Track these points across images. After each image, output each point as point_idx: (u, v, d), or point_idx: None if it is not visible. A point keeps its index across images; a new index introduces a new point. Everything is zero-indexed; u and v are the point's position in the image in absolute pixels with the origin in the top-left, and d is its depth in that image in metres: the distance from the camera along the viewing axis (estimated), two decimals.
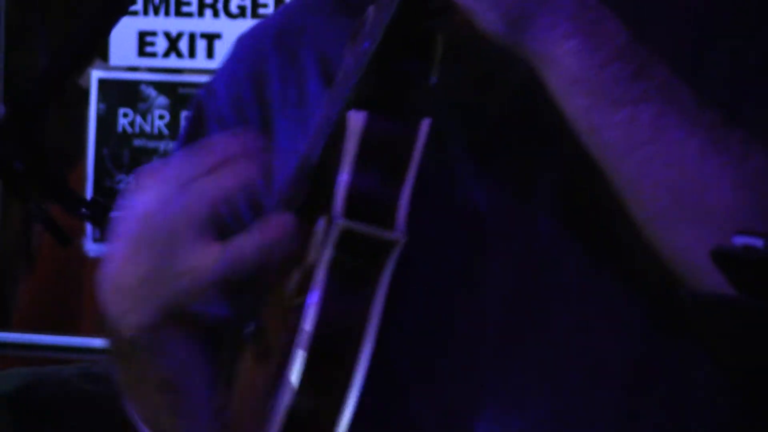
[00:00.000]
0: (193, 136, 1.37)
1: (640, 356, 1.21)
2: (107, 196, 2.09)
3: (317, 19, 1.42)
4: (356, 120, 1.10)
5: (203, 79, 2.38)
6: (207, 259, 1.08)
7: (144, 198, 1.11)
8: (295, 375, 1.04)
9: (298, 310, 1.07)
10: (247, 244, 1.09)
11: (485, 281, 1.18)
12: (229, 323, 1.21)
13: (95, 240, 2.98)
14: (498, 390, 1.18)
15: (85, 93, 3.14)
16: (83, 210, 1.17)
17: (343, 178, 1.07)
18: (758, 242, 0.84)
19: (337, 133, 1.14)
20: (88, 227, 2.94)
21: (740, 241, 0.85)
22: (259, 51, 1.44)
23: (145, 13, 3.07)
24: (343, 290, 1.08)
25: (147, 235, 1.11)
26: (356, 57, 1.17)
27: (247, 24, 2.32)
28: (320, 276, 1.06)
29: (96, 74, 3.21)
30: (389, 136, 1.13)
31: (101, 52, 3.14)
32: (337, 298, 1.07)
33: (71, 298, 3.21)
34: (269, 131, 1.40)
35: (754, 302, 0.86)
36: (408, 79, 1.14)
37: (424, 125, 1.09)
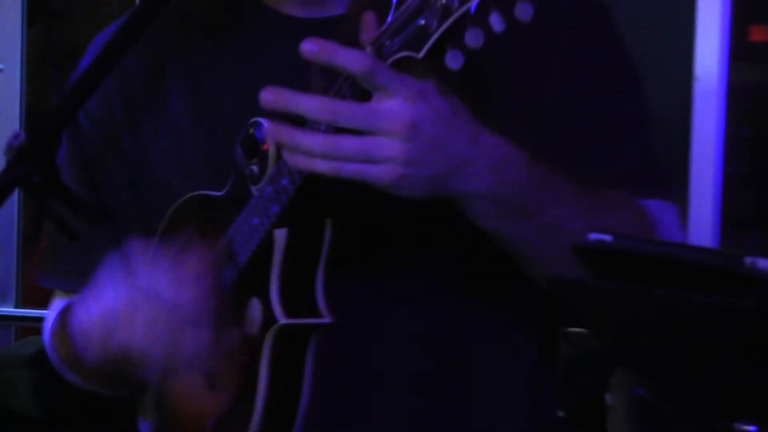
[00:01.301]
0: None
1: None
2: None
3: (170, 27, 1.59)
4: (280, 235, 1.36)
5: None
6: (204, 345, 1.38)
7: (155, 284, 1.41)
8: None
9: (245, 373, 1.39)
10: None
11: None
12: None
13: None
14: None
15: None
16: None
17: (274, 286, 1.35)
18: (608, 237, 1.04)
19: (264, 244, 1.39)
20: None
21: (594, 237, 1.04)
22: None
23: None
24: (284, 364, 1.37)
25: (164, 319, 1.41)
26: (277, 193, 1.39)
27: None
28: (264, 363, 1.35)
29: None
30: (304, 244, 1.37)
31: None
32: (279, 370, 1.36)
33: None
34: (135, 127, 1.62)
35: (604, 283, 1.06)
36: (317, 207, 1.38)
37: (328, 230, 1.36)
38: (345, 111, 1.28)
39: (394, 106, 1.25)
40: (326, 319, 1.38)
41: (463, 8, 1.19)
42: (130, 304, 1.44)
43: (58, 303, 1.71)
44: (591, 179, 1.41)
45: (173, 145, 1.64)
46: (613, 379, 2.82)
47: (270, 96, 1.30)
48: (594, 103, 1.52)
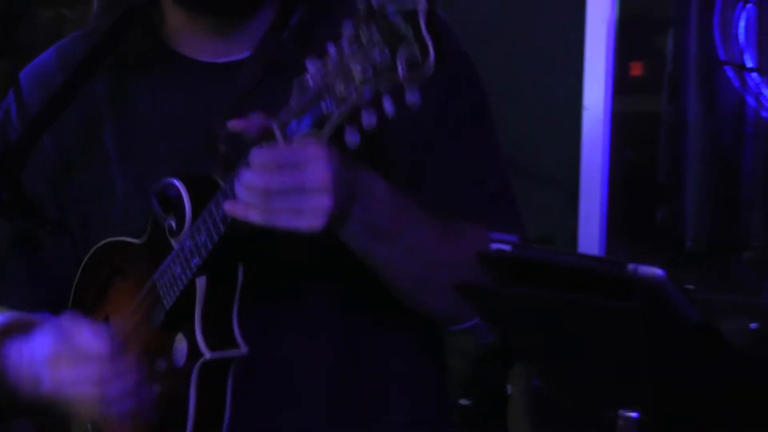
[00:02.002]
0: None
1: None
2: None
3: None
4: (200, 282, 1.45)
5: None
6: (131, 387, 1.44)
7: (78, 337, 1.45)
8: None
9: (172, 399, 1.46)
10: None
11: None
12: None
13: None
14: None
15: None
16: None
17: (198, 325, 1.44)
18: (507, 247, 1.13)
19: (187, 290, 1.45)
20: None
21: (495, 246, 1.14)
22: (45, 81, 1.65)
23: None
24: (208, 390, 1.45)
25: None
26: (197, 247, 1.44)
27: None
28: (192, 391, 1.43)
29: None
30: (221, 285, 1.46)
31: None
32: (205, 396, 1.45)
33: None
34: (78, 157, 1.64)
35: (504, 288, 1.16)
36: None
37: (240, 272, 1.45)
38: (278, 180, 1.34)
39: (316, 171, 1.32)
40: (243, 350, 1.47)
41: (360, 97, 1.25)
42: (55, 357, 1.49)
43: None
44: (447, 211, 1.51)
45: (103, 176, 1.65)
46: (513, 371, 2.98)
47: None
48: (454, 146, 1.61)
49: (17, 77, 1.69)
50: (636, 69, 3.63)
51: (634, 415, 1.17)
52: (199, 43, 1.60)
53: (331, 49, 1.28)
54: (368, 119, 1.24)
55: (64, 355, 1.48)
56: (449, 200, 1.55)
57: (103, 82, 1.59)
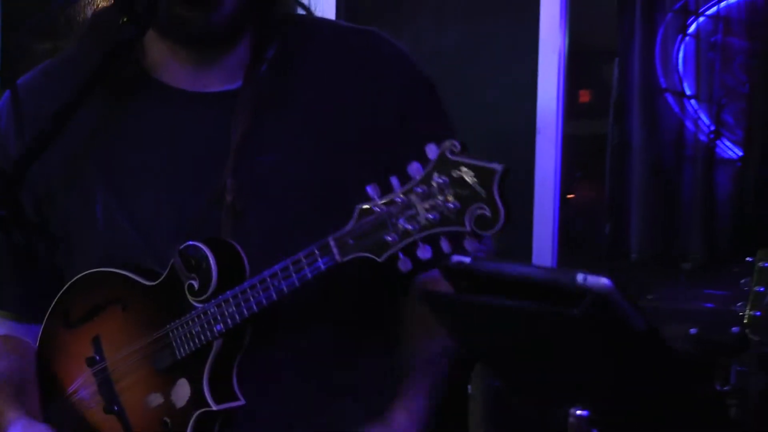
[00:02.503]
0: None
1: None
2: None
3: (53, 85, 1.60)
4: (217, 343, 1.43)
5: None
6: None
7: None
8: None
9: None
10: None
11: None
12: None
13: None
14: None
15: None
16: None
17: (206, 379, 1.44)
18: (467, 259, 1.14)
19: (203, 347, 1.44)
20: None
21: (456, 259, 1.15)
22: (37, 98, 1.62)
23: None
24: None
25: None
26: (222, 317, 1.42)
27: None
28: (189, 429, 1.44)
29: None
30: (231, 345, 1.45)
31: None
32: None
33: None
34: (66, 180, 1.59)
35: (464, 297, 1.16)
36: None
37: (248, 333, 1.45)
38: None
39: None
40: (241, 402, 1.47)
41: (421, 234, 1.25)
42: None
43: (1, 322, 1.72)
44: None
45: (85, 202, 1.60)
46: (473, 372, 2.85)
47: None
48: None
49: (14, 85, 1.64)
50: (584, 96, 3.69)
51: (584, 413, 1.18)
52: (180, 73, 1.57)
53: (396, 185, 1.28)
54: (423, 253, 1.25)
55: None
56: None
57: (86, 108, 1.53)
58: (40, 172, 1.54)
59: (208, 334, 1.42)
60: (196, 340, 1.44)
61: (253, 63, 1.56)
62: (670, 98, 3.49)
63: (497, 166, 1.21)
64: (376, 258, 1.29)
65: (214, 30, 1.49)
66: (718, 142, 3.47)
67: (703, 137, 3.47)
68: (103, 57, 1.45)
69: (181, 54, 1.54)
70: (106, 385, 1.55)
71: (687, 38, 3.47)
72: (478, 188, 1.21)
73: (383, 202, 1.27)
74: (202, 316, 1.43)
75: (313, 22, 1.64)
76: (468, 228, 1.21)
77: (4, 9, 3.76)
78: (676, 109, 3.48)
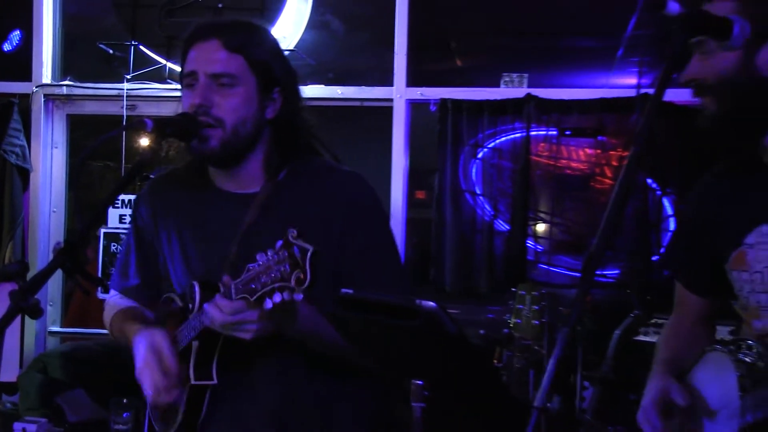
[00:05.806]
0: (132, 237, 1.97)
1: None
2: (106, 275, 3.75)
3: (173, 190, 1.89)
4: (195, 344, 1.72)
5: None
6: (173, 384, 1.76)
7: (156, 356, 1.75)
8: None
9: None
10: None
11: None
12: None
13: (102, 292, 3.80)
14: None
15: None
16: (94, 282, 1.76)
17: (192, 363, 1.72)
18: (350, 291, 1.36)
19: (188, 345, 1.73)
20: (99, 289, 3.76)
21: (343, 291, 1.38)
22: (151, 200, 1.94)
23: None
24: (194, 396, 1.76)
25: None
26: (194, 327, 1.70)
27: None
28: (185, 392, 1.74)
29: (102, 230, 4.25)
30: (206, 346, 1.73)
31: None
32: (193, 397, 1.75)
33: (89, 314, 4.50)
34: (154, 240, 1.94)
35: (349, 315, 1.41)
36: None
37: (221, 341, 1.73)
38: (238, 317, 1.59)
39: (249, 318, 1.61)
40: (214, 382, 1.72)
41: (271, 288, 1.43)
42: (144, 361, 1.79)
43: (113, 293, 2.05)
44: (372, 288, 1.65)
45: (171, 248, 1.89)
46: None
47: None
48: (370, 260, 1.78)
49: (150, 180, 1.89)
50: (420, 194, 4.51)
51: (420, 405, 1.48)
52: (220, 180, 1.85)
53: (261, 258, 1.47)
54: (277, 298, 1.46)
55: (149, 361, 1.80)
56: (373, 285, 1.74)
57: (163, 200, 1.83)
58: (139, 235, 1.94)
59: (192, 334, 1.74)
60: (185, 340, 1.76)
61: (268, 178, 1.79)
62: (468, 196, 4.12)
63: (309, 247, 1.38)
64: (249, 298, 1.52)
65: (208, 156, 1.78)
66: (495, 221, 4.12)
67: (487, 218, 4.11)
68: (193, 168, 1.79)
69: (215, 169, 1.87)
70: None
71: (477, 161, 4.12)
72: (299, 260, 1.38)
73: (259, 264, 1.47)
74: (188, 325, 1.76)
75: (313, 159, 1.88)
76: (292, 284, 1.39)
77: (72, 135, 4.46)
78: (471, 202, 4.12)
